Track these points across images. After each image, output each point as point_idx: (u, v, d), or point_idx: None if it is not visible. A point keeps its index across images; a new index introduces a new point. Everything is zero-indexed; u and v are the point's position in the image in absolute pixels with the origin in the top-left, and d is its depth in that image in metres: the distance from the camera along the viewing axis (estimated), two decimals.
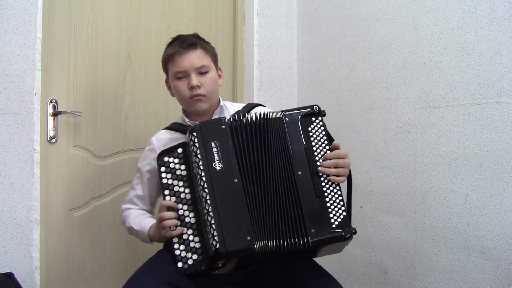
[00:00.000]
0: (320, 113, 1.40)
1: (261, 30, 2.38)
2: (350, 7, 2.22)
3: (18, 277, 1.64)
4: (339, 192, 1.34)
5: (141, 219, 1.54)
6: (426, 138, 1.89)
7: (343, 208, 1.33)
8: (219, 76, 1.60)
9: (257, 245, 1.25)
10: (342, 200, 1.34)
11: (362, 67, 2.15)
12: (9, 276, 1.59)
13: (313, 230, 1.28)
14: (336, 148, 1.38)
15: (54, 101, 1.86)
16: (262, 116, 1.37)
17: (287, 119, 1.37)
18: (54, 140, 1.86)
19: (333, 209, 1.32)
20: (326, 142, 1.38)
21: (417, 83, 1.93)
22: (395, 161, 2.00)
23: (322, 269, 1.44)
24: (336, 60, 2.28)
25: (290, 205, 1.31)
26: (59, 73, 1.89)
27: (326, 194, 1.33)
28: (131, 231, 1.56)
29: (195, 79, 1.49)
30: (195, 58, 1.50)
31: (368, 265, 2.11)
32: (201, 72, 1.51)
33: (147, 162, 1.59)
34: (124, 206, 1.63)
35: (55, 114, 1.86)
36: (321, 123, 1.39)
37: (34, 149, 1.77)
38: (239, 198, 1.29)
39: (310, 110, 1.39)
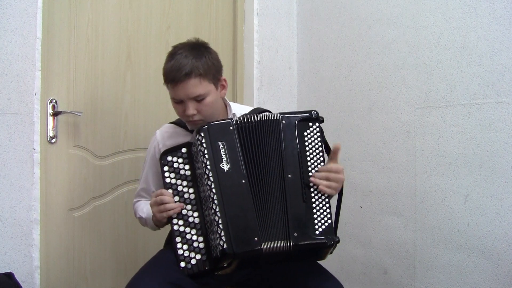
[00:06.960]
0: (318, 119, 1.39)
1: (261, 30, 2.38)
2: (350, 7, 2.22)
3: (18, 277, 1.64)
4: (326, 200, 1.35)
5: (148, 208, 1.55)
6: (426, 138, 1.89)
7: (328, 216, 1.33)
8: (223, 86, 1.53)
9: (264, 246, 1.26)
10: (328, 208, 1.34)
11: (362, 67, 2.15)
12: (9, 276, 1.59)
13: (295, 234, 1.28)
14: (337, 149, 1.39)
15: (54, 101, 1.86)
16: (261, 117, 1.37)
17: (284, 121, 1.37)
18: (54, 140, 1.86)
19: (318, 216, 1.32)
20: (320, 148, 1.38)
21: (417, 83, 1.93)
22: (395, 161, 2.00)
23: (322, 267, 1.44)
24: (336, 60, 2.28)
25: (278, 206, 1.31)
26: (59, 73, 1.88)
27: (313, 200, 1.33)
28: (141, 221, 1.60)
29: (191, 109, 1.44)
30: (189, 88, 1.41)
31: (368, 265, 2.11)
32: (197, 100, 1.44)
33: (149, 155, 1.62)
34: (134, 200, 1.68)
35: (55, 114, 1.86)
36: (317, 129, 1.38)
37: (34, 149, 1.77)
38: (247, 198, 1.30)
39: (308, 115, 1.39)
